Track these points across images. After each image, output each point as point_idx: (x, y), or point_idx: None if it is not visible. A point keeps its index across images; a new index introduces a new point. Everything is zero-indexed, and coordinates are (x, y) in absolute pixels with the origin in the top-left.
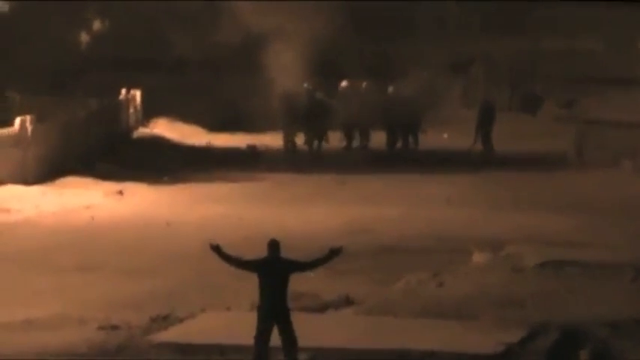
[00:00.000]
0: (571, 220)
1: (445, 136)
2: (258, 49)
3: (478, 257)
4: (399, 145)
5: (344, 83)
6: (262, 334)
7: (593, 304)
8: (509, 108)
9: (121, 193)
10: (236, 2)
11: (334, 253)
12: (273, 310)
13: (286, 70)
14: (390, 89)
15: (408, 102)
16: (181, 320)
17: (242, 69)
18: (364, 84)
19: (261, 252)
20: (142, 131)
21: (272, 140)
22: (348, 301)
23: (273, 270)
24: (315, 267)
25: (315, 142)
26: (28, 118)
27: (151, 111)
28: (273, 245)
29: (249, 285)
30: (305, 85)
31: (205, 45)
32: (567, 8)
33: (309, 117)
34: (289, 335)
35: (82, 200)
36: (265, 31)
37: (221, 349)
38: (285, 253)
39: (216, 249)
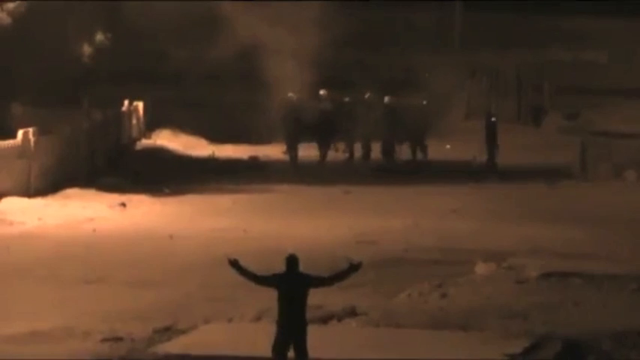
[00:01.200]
0: (575, 231)
1: (448, 147)
2: (259, 61)
3: (481, 268)
4: (400, 156)
5: (322, 92)
6: (281, 346)
7: (597, 316)
8: (515, 119)
9: (124, 205)
10: (236, 16)
11: (354, 268)
12: (292, 325)
13: (288, 81)
14: (386, 100)
15: (409, 112)
16: (184, 332)
17: (244, 81)
18: (367, 95)
19: (267, 264)
20: (145, 142)
21: (274, 151)
22: (352, 313)
23: (292, 285)
24: (334, 282)
25: (323, 153)
26: (31, 130)
27: (153, 122)
28: (292, 260)
29: (252, 297)
30: (321, 92)
31: (206, 58)
32: (572, 20)
33: (322, 127)
34: (302, 351)
35: (85, 212)
36: (266, 43)
37: None
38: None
39: (235, 264)
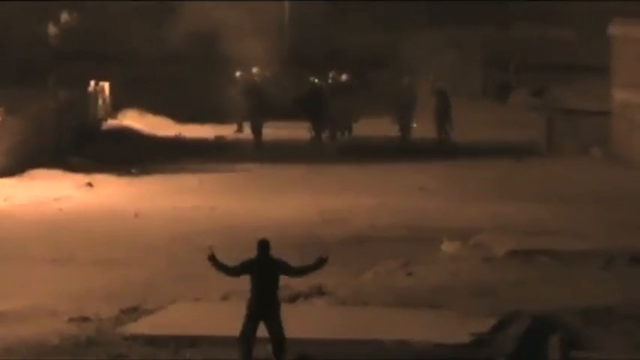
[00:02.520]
0: (541, 208)
1: (414, 125)
2: (224, 40)
3: (448, 246)
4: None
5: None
6: (247, 333)
7: (564, 292)
8: (481, 96)
9: (90, 184)
10: None
11: (322, 261)
12: (261, 309)
13: (252, 60)
14: (344, 77)
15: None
16: (151, 312)
17: (210, 61)
18: (332, 74)
19: (234, 242)
20: (111, 123)
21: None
22: (319, 292)
23: (263, 270)
24: (303, 274)
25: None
26: None
27: (120, 103)
28: (264, 245)
29: (219, 276)
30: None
31: (172, 38)
32: None
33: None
34: (277, 335)
35: (52, 192)
36: (229, 22)
37: (191, 341)
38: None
39: (213, 259)
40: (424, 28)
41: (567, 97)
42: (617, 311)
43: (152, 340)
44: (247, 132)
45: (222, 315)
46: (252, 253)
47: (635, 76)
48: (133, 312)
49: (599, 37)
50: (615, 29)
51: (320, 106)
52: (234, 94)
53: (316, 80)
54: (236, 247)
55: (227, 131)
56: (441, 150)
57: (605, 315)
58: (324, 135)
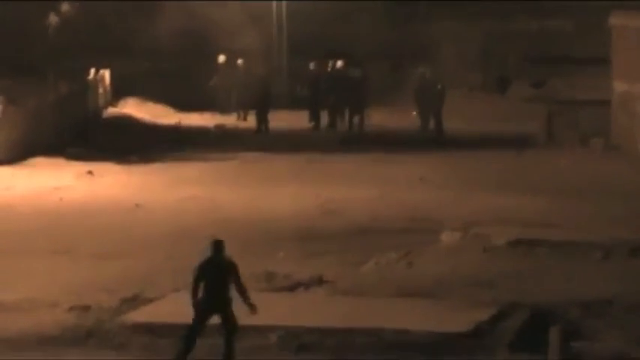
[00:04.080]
0: (541, 200)
1: (414, 113)
2: (224, 31)
3: (448, 237)
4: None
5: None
6: (196, 328)
7: (563, 284)
8: (481, 88)
9: (90, 173)
10: None
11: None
12: (212, 305)
13: (250, 50)
14: (339, 64)
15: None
16: (151, 301)
17: (210, 50)
18: (339, 63)
19: (234, 235)
20: (112, 111)
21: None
22: (320, 281)
23: (215, 270)
24: (240, 288)
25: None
26: None
27: (120, 91)
28: (218, 245)
29: None
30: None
31: (171, 28)
32: None
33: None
34: (232, 324)
35: (52, 182)
36: (229, 14)
37: None
38: (258, 235)
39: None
40: (424, 21)
41: (567, 89)
42: (617, 302)
43: (152, 329)
44: (250, 120)
45: None
46: (250, 245)
47: (635, 68)
48: (133, 302)
49: (599, 29)
50: (615, 20)
51: (317, 94)
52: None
53: (312, 67)
54: (236, 238)
55: (227, 119)
56: (437, 141)
57: (604, 306)
58: (325, 124)
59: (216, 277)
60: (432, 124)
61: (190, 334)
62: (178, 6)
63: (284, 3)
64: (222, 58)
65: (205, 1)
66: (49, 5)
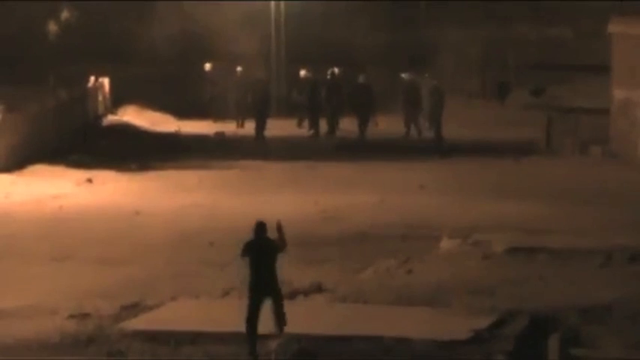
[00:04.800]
0: (540, 207)
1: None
2: (223, 38)
3: (447, 244)
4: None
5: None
6: (253, 316)
7: (563, 291)
8: (481, 95)
9: (90, 181)
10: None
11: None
12: (263, 287)
13: (251, 57)
14: (336, 71)
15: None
16: (151, 308)
17: (209, 58)
18: (335, 70)
19: (234, 242)
20: (111, 119)
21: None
22: (319, 289)
23: (260, 250)
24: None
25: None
26: None
27: (119, 98)
28: (261, 227)
29: (219, 273)
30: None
31: (172, 35)
32: None
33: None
34: (280, 299)
35: (52, 189)
36: (228, 22)
37: (191, 337)
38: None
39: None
40: (424, 27)
41: (566, 96)
42: (616, 309)
43: (152, 337)
44: (248, 127)
45: (222, 311)
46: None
47: (635, 75)
48: (133, 309)
49: (598, 36)
50: (615, 27)
51: (316, 101)
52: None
53: (309, 74)
54: (235, 245)
55: (226, 127)
56: (436, 148)
57: (604, 313)
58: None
59: (261, 257)
60: (417, 129)
61: (250, 323)
62: (177, 12)
63: (282, 6)
64: (208, 66)
65: (204, 8)
66: (49, 12)
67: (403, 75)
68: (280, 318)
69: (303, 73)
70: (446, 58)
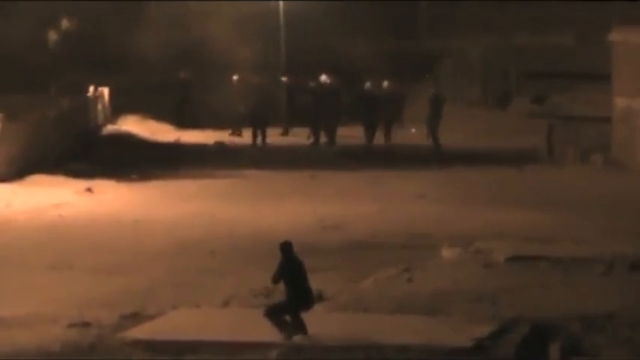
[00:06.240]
0: (541, 215)
1: (413, 130)
2: (222, 47)
3: (448, 253)
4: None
5: (235, 77)
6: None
7: (564, 299)
8: (482, 103)
9: (90, 190)
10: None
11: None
12: (303, 301)
13: (249, 65)
14: (323, 78)
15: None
16: (151, 317)
17: (209, 67)
18: (327, 78)
19: (234, 251)
20: (111, 128)
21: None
22: (320, 298)
23: (294, 268)
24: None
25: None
26: None
27: (119, 108)
28: (289, 246)
29: (219, 282)
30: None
31: (172, 43)
32: (539, 4)
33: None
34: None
35: (52, 198)
36: (226, 30)
37: (192, 346)
38: (258, 251)
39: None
40: (423, 37)
41: (567, 104)
42: (618, 318)
43: (153, 346)
44: (246, 136)
45: (223, 321)
46: (249, 261)
47: (636, 83)
48: (133, 318)
49: (600, 44)
50: (616, 35)
51: (318, 110)
52: (234, 97)
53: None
54: (236, 254)
55: (227, 137)
56: (435, 157)
57: (605, 322)
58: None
59: (297, 275)
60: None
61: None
62: (177, 21)
63: (281, 13)
64: (235, 78)
65: (204, 16)
66: (49, 21)
67: (435, 92)
68: (303, 325)
69: (285, 79)
70: (447, 66)
